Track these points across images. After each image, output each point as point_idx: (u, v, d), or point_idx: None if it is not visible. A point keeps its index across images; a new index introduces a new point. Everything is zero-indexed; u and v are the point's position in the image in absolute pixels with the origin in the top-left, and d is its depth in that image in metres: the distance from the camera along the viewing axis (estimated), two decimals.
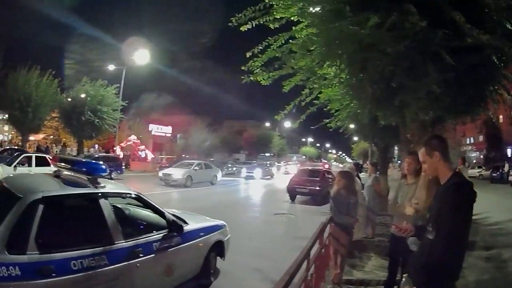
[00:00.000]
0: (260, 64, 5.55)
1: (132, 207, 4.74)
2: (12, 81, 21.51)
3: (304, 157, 69.25)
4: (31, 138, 26.48)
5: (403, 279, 2.38)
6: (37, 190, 3.09)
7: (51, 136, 40.60)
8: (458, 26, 3.66)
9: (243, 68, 5.62)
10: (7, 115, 24.82)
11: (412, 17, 3.58)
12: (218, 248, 5.08)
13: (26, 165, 13.00)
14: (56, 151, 27.83)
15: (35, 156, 13.85)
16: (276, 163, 44.05)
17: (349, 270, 5.35)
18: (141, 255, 3.52)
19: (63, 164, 4.08)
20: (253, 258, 6.31)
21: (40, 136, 36.15)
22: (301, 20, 5.12)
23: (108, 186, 3.72)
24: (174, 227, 4.08)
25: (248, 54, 5.38)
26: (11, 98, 21.19)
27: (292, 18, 5.12)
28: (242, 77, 5.70)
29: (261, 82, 5.80)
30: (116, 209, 3.82)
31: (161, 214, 4.14)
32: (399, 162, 28.92)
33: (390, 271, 4.10)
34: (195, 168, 19.49)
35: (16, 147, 21.27)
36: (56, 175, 3.78)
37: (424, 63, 3.94)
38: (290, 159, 56.16)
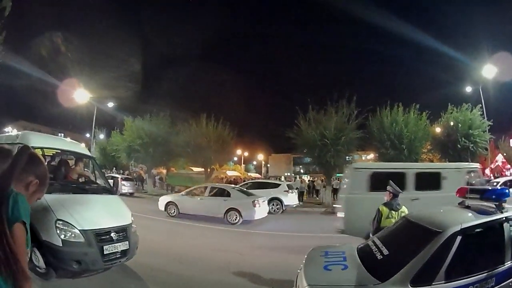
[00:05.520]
0: None
1: None
2: (374, 122, 22.94)
3: None
4: None
5: None
6: (456, 223, 3.39)
7: None
8: None
9: None
10: (373, 155, 27.96)
11: None
12: None
13: None
14: None
15: None
16: None
17: None
18: None
19: (473, 195, 4.17)
20: None
21: None
22: None
23: (510, 210, 3.74)
24: None
25: None
26: (378, 138, 22.58)
27: None
28: None
29: None
30: None
31: None
32: None
33: None
34: None
35: None
36: (467, 206, 4.03)
37: None
38: None
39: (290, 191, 17.97)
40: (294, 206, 18.31)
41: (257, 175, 51.98)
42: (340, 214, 8.91)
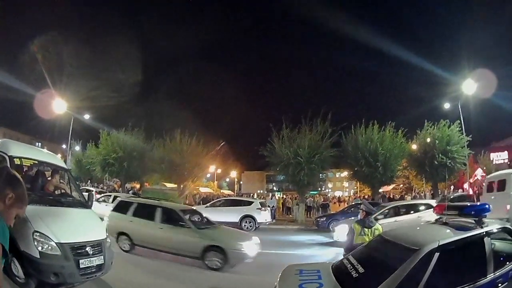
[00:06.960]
0: None
1: None
2: (349, 140, 23.06)
3: None
4: (380, 190, 28.31)
5: None
6: (434, 240, 3.44)
7: (401, 185, 42.74)
8: None
9: None
10: (347, 172, 27.87)
11: None
12: None
13: None
14: (411, 198, 28.06)
15: None
16: None
17: None
18: (499, 284, 3.58)
19: (451, 211, 4.32)
20: None
21: (390, 187, 37.78)
22: None
23: (490, 225, 3.87)
24: None
25: None
26: (353, 156, 22.58)
27: None
28: None
29: None
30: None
31: None
32: None
33: None
34: None
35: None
36: (444, 222, 4.17)
37: None
38: None
39: (263, 208, 18.18)
40: (267, 223, 18.46)
41: (230, 192, 51.90)
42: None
